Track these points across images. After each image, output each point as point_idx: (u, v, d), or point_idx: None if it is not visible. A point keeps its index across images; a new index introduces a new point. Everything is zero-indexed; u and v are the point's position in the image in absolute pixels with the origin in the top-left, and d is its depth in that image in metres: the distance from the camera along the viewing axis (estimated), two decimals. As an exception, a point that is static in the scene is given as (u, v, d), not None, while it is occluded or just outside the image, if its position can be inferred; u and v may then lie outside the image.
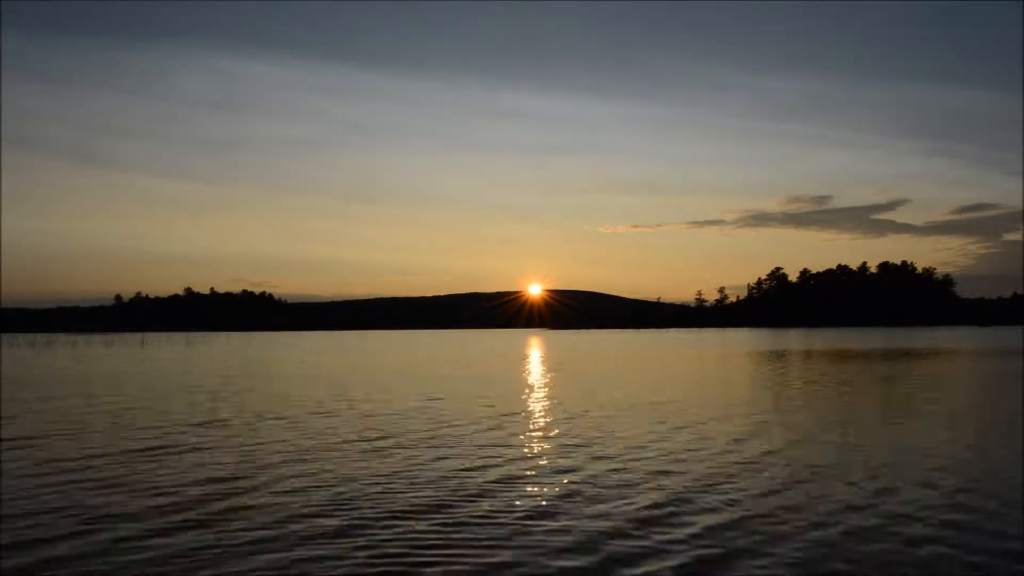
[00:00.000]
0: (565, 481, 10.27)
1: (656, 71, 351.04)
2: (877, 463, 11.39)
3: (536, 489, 9.84)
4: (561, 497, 9.38)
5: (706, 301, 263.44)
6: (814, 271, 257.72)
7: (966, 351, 50.36)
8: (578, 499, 9.29)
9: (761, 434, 14.33)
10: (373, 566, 6.85)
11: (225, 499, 9.33)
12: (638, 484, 10.02)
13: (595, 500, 9.22)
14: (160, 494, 9.63)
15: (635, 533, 7.79)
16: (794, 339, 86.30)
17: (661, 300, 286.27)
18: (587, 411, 18.17)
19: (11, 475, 10.98)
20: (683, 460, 11.71)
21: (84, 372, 35.94)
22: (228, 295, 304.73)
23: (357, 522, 8.24)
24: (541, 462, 11.74)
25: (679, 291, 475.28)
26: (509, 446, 13.16)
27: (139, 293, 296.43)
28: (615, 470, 10.95)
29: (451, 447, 13.10)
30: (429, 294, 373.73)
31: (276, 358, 50.46)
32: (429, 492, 9.63)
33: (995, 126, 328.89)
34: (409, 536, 7.75)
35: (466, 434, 14.54)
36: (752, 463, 11.46)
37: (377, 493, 9.61)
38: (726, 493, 9.48)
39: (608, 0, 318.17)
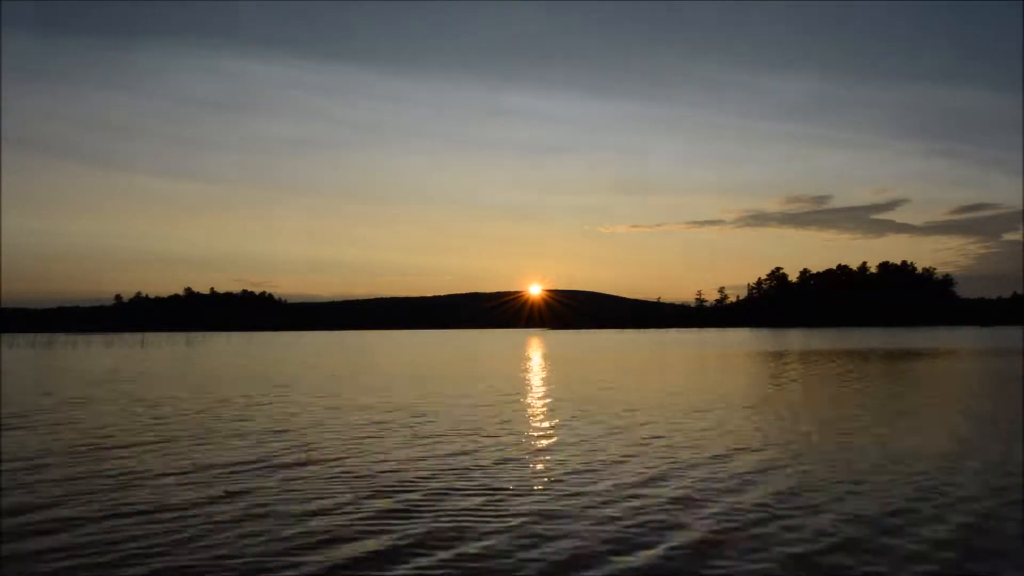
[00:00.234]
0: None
1: (656, 71, 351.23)
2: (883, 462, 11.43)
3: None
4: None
5: (706, 301, 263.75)
6: (814, 271, 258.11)
7: (973, 351, 50.05)
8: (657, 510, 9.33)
9: (777, 436, 14.37)
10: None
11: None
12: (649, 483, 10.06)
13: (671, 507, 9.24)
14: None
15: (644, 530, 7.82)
16: (795, 339, 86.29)
17: (661, 300, 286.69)
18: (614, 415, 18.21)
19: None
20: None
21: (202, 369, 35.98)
22: (228, 295, 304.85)
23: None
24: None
25: (679, 291, 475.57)
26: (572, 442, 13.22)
27: (139, 293, 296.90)
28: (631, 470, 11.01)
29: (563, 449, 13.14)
30: (429, 294, 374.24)
31: (300, 358, 50.53)
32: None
33: (995, 126, 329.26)
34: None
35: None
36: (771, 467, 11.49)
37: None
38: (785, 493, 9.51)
39: (608, 0, 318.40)
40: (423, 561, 7.02)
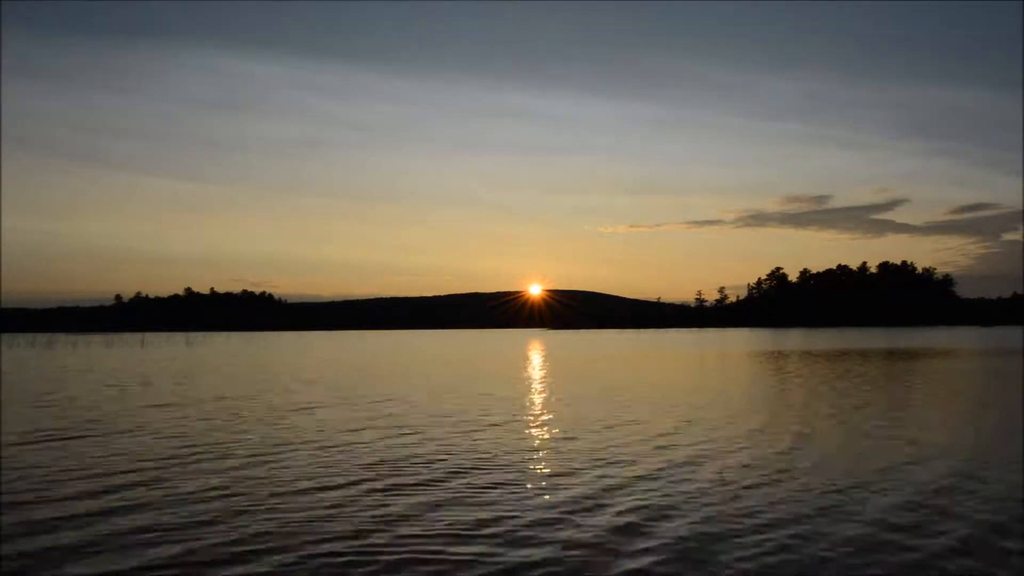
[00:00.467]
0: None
1: (656, 71, 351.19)
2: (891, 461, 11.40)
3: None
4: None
5: (706, 301, 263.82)
6: (814, 271, 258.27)
7: (982, 352, 49.74)
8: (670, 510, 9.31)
9: (776, 434, 14.36)
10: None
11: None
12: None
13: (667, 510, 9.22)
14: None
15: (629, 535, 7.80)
16: (796, 339, 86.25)
17: (661, 300, 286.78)
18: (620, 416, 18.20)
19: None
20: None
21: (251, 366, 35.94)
22: (228, 295, 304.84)
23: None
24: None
25: (679, 291, 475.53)
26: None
27: (139, 293, 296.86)
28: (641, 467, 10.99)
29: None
30: (429, 294, 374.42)
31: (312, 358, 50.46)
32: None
33: (995, 126, 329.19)
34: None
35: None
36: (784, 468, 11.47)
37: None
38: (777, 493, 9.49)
39: (608, 0, 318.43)
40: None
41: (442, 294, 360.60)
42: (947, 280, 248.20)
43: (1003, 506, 8.94)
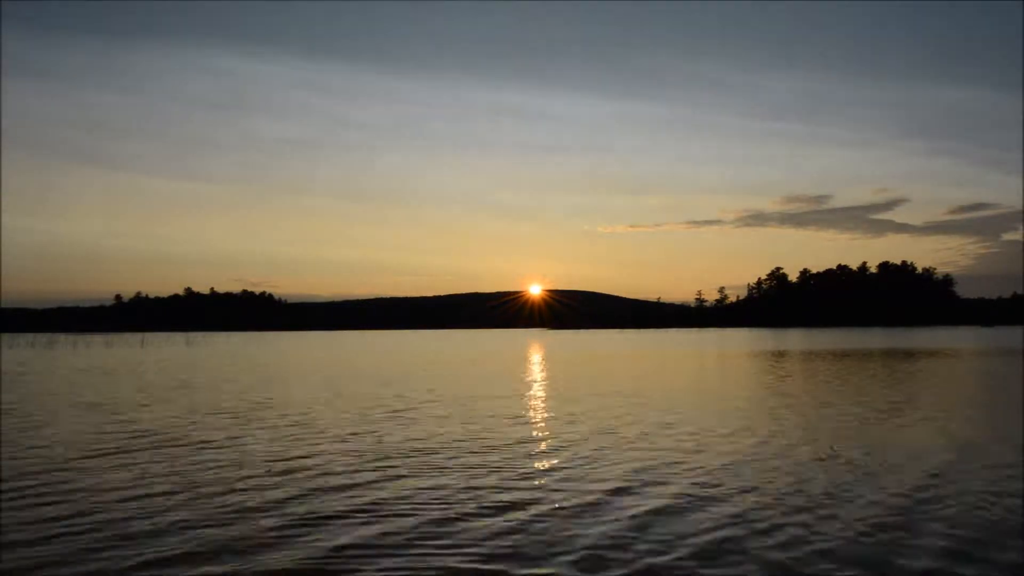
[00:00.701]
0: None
1: (655, 71, 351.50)
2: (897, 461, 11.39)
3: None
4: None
5: (706, 301, 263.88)
6: (813, 271, 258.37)
7: (987, 352, 49.45)
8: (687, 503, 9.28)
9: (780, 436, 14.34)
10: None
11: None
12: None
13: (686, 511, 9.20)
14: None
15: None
16: (798, 339, 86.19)
17: (661, 300, 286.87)
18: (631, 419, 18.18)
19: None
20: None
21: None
22: (228, 295, 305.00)
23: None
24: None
25: (679, 291, 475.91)
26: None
27: (139, 293, 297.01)
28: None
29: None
30: (429, 294, 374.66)
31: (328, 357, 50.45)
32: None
33: (995, 126, 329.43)
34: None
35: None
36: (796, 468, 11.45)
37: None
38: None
39: (608, 0, 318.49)
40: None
41: (442, 294, 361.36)
42: (947, 280, 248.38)
43: None
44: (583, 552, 7.30)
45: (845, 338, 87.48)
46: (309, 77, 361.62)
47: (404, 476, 10.81)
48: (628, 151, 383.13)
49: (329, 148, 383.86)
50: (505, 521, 8.38)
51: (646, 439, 13.95)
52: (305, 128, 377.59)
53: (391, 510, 8.88)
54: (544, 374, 33.58)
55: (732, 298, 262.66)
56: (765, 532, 7.90)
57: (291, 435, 14.78)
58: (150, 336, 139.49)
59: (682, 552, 7.27)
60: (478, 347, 73.77)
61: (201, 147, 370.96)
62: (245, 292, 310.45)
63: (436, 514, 8.68)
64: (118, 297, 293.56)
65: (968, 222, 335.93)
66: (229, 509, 8.94)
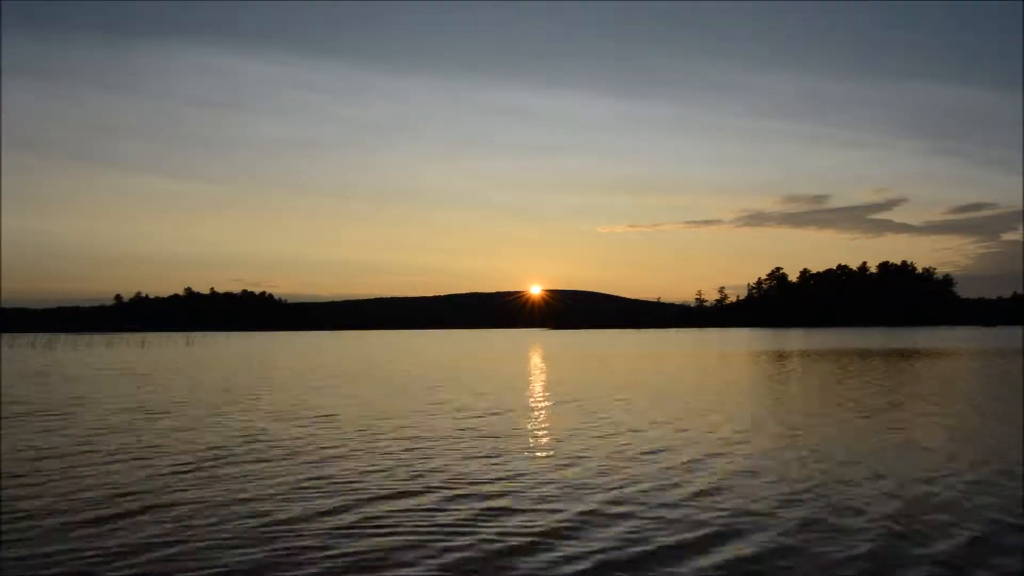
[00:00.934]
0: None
1: (655, 70, 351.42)
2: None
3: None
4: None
5: (706, 301, 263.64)
6: (813, 271, 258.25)
7: (993, 352, 49.20)
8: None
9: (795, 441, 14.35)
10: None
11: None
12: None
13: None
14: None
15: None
16: (799, 339, 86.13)
17: (661, 300, 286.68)
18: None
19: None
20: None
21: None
22: (228, 295, 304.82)
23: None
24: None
25: (679, 291, 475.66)
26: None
27: (139, 293, 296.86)
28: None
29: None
30: (429, 294, 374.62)
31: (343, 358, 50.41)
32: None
33: (994, 125, 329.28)
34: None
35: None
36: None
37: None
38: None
39: (608, 0, 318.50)
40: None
41: (442, 294, 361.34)
42: (947, 280, 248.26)
43: None
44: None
45: (845, 338, 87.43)
46: (308, 76, 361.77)
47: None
48: (628, 151, 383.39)
49: (329, 148, 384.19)
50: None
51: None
52: (305, 128, 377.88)
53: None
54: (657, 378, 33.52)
55: (732, 298, 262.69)
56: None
57: (478, 450, 12.98)
58: (150, 336, 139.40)
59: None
60: (500, 347, 73.71)
61: (201, 147, 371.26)
62: (245, 292, 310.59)
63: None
64: (118, 297, 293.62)
65: (968, 222, 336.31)
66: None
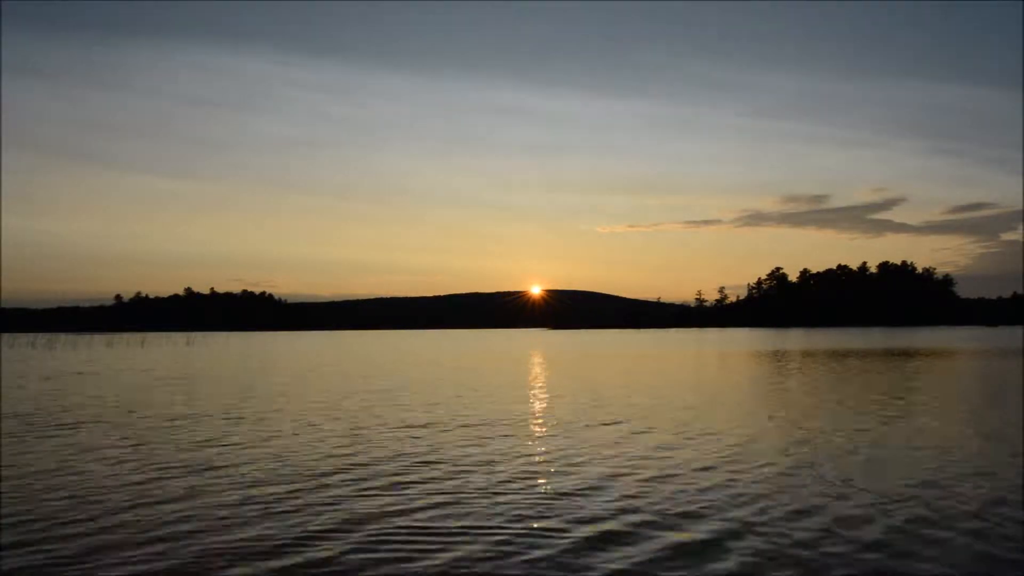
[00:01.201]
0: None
1: (654, 70, 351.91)
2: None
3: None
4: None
5: (706, 301, 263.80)
6: (813, 271, 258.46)
7: (987, 352, 49.13)
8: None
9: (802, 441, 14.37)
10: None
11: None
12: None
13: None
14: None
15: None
16: (799, 339, 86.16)
17: (661, 300, 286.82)
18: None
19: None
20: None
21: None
22: (228, 295, 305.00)
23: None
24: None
25: (678, 291, 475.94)
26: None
27: (139, 293, 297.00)
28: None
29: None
30: (429, 294, 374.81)
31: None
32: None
33: (994, 125, 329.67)
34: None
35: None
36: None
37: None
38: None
39: (608, 0, 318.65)
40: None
41: (442, 294, 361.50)
42: (947, 280, 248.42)
43: None
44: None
45: (845, 338, 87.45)
46: (308, 76, 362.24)
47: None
48: (628, 151, 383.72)
49: (329, 147, 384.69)
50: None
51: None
52: (305, 128, 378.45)
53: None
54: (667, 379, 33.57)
55: (732, 298, 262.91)
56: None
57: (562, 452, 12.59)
58: (150, 336, 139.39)
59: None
60: (507, 348, 73.75)
61: (201, 146, 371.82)
62: (245, 292, 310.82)
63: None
64: (118, 297, 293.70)
65: (968, 222, 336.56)
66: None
